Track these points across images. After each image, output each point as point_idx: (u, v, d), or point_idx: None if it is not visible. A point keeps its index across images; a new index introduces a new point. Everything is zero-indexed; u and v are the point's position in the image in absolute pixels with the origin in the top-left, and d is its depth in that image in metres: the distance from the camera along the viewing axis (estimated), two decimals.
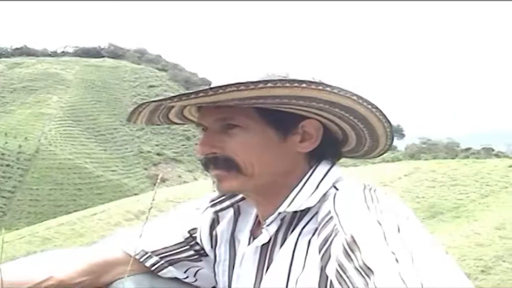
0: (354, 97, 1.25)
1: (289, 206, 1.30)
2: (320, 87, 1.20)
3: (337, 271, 1.10)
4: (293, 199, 1.30)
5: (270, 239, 1.35)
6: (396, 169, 27.12)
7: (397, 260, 0.99)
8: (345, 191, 1.29)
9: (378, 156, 1.53)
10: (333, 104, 1.26)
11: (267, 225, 1.33)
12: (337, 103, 1.25)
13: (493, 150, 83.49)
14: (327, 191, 1.31)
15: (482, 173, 24.33)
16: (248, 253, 1.41)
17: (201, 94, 1.20)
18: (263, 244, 1.36)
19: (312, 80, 1.22)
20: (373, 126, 1.34)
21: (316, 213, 1.29)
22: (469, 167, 25.71)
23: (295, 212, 1.32)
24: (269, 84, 1.18)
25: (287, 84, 1.19)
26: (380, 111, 1.30)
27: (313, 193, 1.31)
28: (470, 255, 12.32)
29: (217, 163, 1.34)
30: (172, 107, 1.43)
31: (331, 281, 1.15)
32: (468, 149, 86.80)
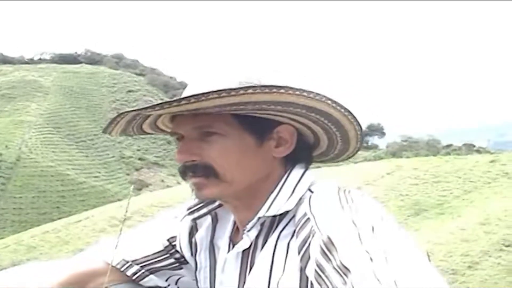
0: (329, 101, 1.28)
1: (268, 210, 1.32)
2: (298, 93, 1.23)
3: (316, 271, 1.13)
4: (271, 203, 1.33)
5: (250, 244, 1.37)
6: (378, 167, 27.31)
7: (371, 259, 1.02)
8: (320, 193, 1.31)
9: (347, 159, 1.57)
10: (310, 108, 1.29)
11: (248, 231, 1.35)
12: (313, 107, 1.28)
13: (474, 146, 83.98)
14: (303, 194, 1.34)
15: (464, 169, 24.57)
16: (229, 259, 1.43)
17: (183, 102, 1.21)
18: (244, 249, 1.38)
19: (290, 86, 1.24)
20: (346, 129, 1.38)
21: (293, 216, 1.32)
22: (451, 163, 25.97)
23: (274, 216, 1.34)
24: (250, 90, 1.20)
25: (267, 90, 1.21)
26: (352, 114, 1.33)
27: (290, 196, 1.34)
28: (456, 251, 12.47)
29: (196, 170, 1.35)
30: (148, 117, 1.43)
31: (311, 282, 1.17)
32: (449, 145, 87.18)
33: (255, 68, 1.33)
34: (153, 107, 1.24)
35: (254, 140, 1.35)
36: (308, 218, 1.24)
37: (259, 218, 1.34)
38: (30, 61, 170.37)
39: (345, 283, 1.03)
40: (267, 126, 1.35)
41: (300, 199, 1.33)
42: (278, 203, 1.33)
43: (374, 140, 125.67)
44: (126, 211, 1.70)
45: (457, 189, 22.46)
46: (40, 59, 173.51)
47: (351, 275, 1.02)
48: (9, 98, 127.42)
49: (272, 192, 1.35)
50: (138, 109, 1.28)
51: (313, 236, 1.18)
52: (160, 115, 1.43)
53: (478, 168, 24.37)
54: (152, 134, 1.57)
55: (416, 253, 1.06)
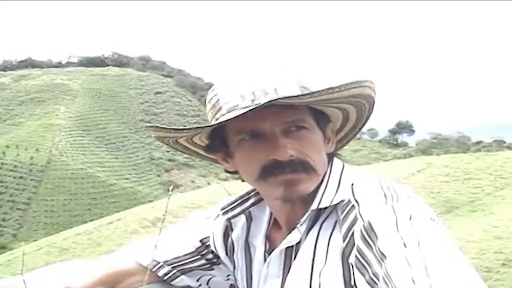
0: (367, 83, 1.34)
1: (320, 203, 1.33)
2: (367, 84, 1.33)
3: (357, 257, 1.17)
4: (322, 196, 1.34)
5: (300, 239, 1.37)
6: (408, 165, 27.11)
7: (405, 245, 1.07)
8: (363, 182, 1.35)
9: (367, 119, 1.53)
10: (363, 96, 1.37)
11: (300, 225, 1.35)
12: (363, 94, 1.36)
13: (504, 142, 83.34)
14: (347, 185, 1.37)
15: (495, 166, 24.27)
16: (274, 254, 1.42)
17: (332, 90, 1.27)
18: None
19: (364, 79, 1.32)
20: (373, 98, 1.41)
21: (335, 207, 1.33)
22: (482, 160, 25.67)
23: (319, 209, 1.35)
24: (354, 85, 1.29)
25: (364, 84, 1.31)
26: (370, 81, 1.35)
27: (338, 188, 1.35)
28: (490, 248, 12.33)
29: (294, 166, 1.32)
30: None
31: (353, 271, 1.21)
32: (479, 142, 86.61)
33: (295, 64, 1.40)
34: (300, 96, 1.28)
35: (322, 135, 1.39)
36: (353, 205, 1.27)
37: (312, 211, 1.33)
38: (58, 65, 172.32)
39: (382, 268, 1.08)
40: (324, 122, 1.41)
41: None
42: (328, 195, 1.34)
43: (403, 137, 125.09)
44: (166, 211, 1.71)
45: (489, 186, 22.23)
46: (68, 62, 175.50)
47: (386, 260, 1.07)
48: (38, 102, 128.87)
49: (320, 185, 1.36)
50: (291, 96, 1.28)
51: (356, 222, 1.22)
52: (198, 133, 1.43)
53: (509, 164, 24.08)
54: (184, 150, 1.56)
55: (448, 242, 1.10)
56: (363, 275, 1.15)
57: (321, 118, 1.39)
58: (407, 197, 1.25)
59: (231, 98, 1.33)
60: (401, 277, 1.01)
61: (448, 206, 20.43)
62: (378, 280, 1.08)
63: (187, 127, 1.34)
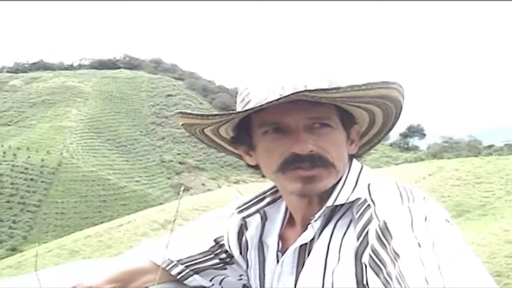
0: (394, 86, 1.33)
1: (335, 200, 1.34)
2: (396, 87, 1.32)
3: (371, 256, 1.17)
4: (338, 193, 1.34)
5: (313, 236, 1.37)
6: (419, 169, 27.11)
7: (419, 245, 1.07)
8: (379, 183, 1.35)
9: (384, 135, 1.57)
10: (388, 98, 1.36)
11: (315, 221, 1.35)
12: (387, 96, 1.36)
13: None
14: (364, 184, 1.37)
15: (506, 169, 24.19)
16: (289, 252, 1.42)
17: (357, 88, 1.27)
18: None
19: (392, 81, 1.32)
20: (400, 102, 1.41)
21: (351, 206, 1.34)
22: (493, 164, 25.59)
23: (335, 207, 1.36)
24: (381, 85, 1.29)
25: (392, 86, 1.31)
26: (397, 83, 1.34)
27: (355, 187, 1.36)
28: (500, 253, 12.29)
29: (314, 161, 1.33)
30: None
31: (367, 271, 1.21)
32: (490, 146, 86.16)
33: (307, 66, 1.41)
34: (336, 88, 1.27)
35: (346, 136, 1.39)
36: (369, 205, 1.27)
37: (327, 207, 1.34)
38: (70, 67, 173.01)
39: (395, 267, 1.07)
40: (350, 123, 1.40)
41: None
42: (345, 193, 1.34)
43: (414, 141, 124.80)
44: (177, 211, 1.71)
45: (500, 190, 22.17)
46: (79, 65, 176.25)
47: (400, 260, 1.07)
48: (50, 104, 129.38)
49: (337, 183, 1.36)
50: (302, 91, 1.26)
51: (371, 222, 1.22)
52: (224, 123, 1.42)
53: None
54: (209, 142, 1.55)
55: (463, 244, 1.10)
56: (377, 274, 1.15)
57: (347, 119, 1.39)
58: (423, 198, 1.25)
59: (261, 92, 1.33)
60: (414, 277, 1.02)
61: (459, 210, 20.39)
62: (391, 279, 1.09)
63: (214, 113, 1.34)
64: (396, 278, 1.07)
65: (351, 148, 1.42)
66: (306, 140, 1.32)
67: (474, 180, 24.00)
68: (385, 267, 1.12)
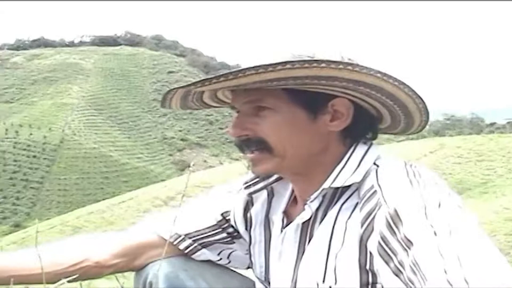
0: (378, 75, 1.23)
1: (333, 182, 1.30)
2: (341, 66, 1.20)
3: (380, 243, 1.12)
4: (337, 175, 1.30)
5: (310, 216, 1.34)
6: (421, 146, 27.11)
7: (435, 233, 1.02)
8: (387, 166, 1.30)
9: (417, 132, 1.53)
10: (357, 82, 1.24)
11: (311, 201, 1.33)
12: (361, 81, 1.24)
13: None
14: (369, 168, 1.31)
15: (508, 147, 24.24)
16: (289, 230, 1.40)
17: (221, 79, 1.21)
18: (303, 222, 1.36)
19: (335, 59, 1.23)
20: (403, 102, 1.33)
21: (357, 189, 1.30)
22: (495, 142, 25.63)
23: (336, 188, 1.32)
24: (288, 66, 1.18)
25: (306, 65, 1.19)
26: (409, 87, 1.28)
27: (356, 169, 1.31)
28: (501, 230, 12.30)
29: (250, 145, 1.34)
30: (204, 91, 1.42)
31: (371, 257, 1.19)
32: (493, 123, 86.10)
33: (314, 43, 1.36)
34: (194, 84, 1.24)
35: (306, 115, 1.32)
36: (375, 191, 1.22)
37: (323, 189, 1.31)
38: (71, 44, 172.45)
39: (408, 255, 1.03)
40: (320, 100, 1.32)
41: (366, 172, 1.30)
42: (344, 175, 1.30)
43: None
44: (186, 186, 1.69)
45: (501, 167, 22.21)
46: (80, 41, 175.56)
47: (413, 248, 1.02)
48: (51, 81, 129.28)
49: (337, 164, 1.32)
50: (181, 87, 1.31)
51: (379, 208, 1.17)
52: (218, 89, 1.41)
53: None
54: (216, 107, 1.56)
55: (479, 230, 1.05)
56: (387, 263, 1.10)
57: (307, 97, 1.31)
58: (434, 183, 1.20)
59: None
60: (432, 267, 0.97)
61: (460, 188, 20.40)
62: (404, 268, 1.04)
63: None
64: (410, 267, 1.02)
65: (333, 125, 1.33)
66: (236, 125, 1.35)
67: (475, 157, 24.02)
68: (395, 256, 1.07)
